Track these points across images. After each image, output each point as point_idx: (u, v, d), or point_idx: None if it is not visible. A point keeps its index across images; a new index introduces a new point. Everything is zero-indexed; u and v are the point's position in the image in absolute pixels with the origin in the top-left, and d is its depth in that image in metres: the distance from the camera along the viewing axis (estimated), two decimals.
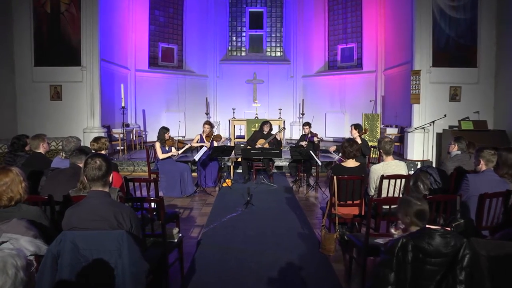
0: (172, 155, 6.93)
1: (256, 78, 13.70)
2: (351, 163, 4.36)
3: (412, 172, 5.84)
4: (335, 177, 4.15)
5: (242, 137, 11.64)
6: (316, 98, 13.55)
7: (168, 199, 6.47)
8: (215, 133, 7.88)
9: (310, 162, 7.55)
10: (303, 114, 12.80)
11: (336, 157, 7.07)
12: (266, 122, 8.19)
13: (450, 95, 9.24)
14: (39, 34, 9.39)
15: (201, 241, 4.55)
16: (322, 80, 13.53)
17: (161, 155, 6.86)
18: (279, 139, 8.08)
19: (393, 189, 4.16)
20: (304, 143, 7.75)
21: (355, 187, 4.19)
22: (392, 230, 2.55)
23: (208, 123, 7.83)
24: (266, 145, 7.97)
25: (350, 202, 4.25)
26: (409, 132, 9.35)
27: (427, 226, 2.20)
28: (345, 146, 4.37)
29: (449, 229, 2.18)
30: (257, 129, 8.93)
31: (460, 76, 9.19)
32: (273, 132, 8.39)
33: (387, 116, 11.64)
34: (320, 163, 7.11)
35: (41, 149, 4.74)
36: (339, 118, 12.87)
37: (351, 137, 6.48)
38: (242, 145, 8.90)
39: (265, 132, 8.17)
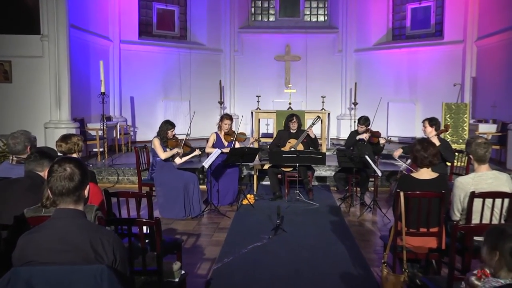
0: (173, 160, 6.95)
1: (290, 53, 13.64)
2: (425, 173, 4.28)
3: None
4: (402, 194, 4.08)
5: (270, 135, 11.61)
6: (374, 81, 13.41)
7: (166, 222, 6.50)
8: (238, 131, 7.88)
9: (365, 172, 7.46)
10: (355, 103, 12.64)
11: (403, 165, 6.94)
12: (292, 116, 8.11)
13: None
14: None
15: (211, 280, 4.55)
16: (384, 55, 13.37)
17: (163, 154, 6.91)
18: (312, 136, 8.02)
19: (489, 213, 4.05)
20: (365, 136, 7.56)
21: (431, 208, 4.11)
22: (472, 279, 2.43)
23: (228, 117, 7.85)
24: (300, 147, 7.92)
25: (424, 229, 4.16)
26: None
27: None
28: (417, 150, 4.28)
29: None
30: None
31: None
32: (302, 128, 8.34)
33: (481, 107, 11.39)
34: (380, 174, 7.01)
35: None
36: (408, 109, 12.68)
37: (425, 136, 6.37)
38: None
39: (293, 130, 8.12)
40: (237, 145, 7.74)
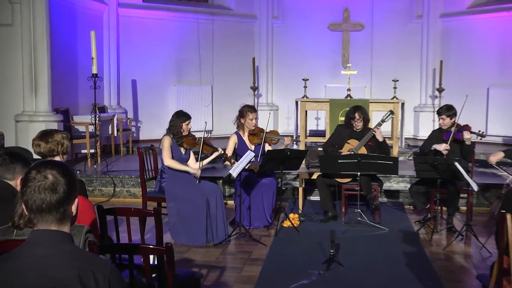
0: (189, 170, 6.96)
1: (350, 20, 13.57)
2: None
3: None
4: (509, 217, 3.99)
5: (321, 133, 11.59)
6: (468, 57, 13.25)
7: (180, 249, 6.55)
8: (267, 129, 7.85)
9: (455, 185, 7.36)
10: (441, 90, 12.48)
11: (509, 176, 6.82)
12: (354, 112, 8.09)
13: None
14: None
15: None
16: (483, 21, 13.19)
17: (168, 160, 6.95)
18: (380, 139, 7.97)
19: None
20: (444, 147, 7.52)
21: None
22: None
23: (252, 109, 7.85)
24: (363, 151, 7.86)
25: None
26: None
27: None
28: None
29: None
30: (343, 121, 8.85)
31: None
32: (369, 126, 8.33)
33: None
34: (476, 188, 6.90)
35: None
36: None
37: None
38: (320, 149, 8.87)
39: (357, 129, 8.12)
40: (268, 148, 7.75)
